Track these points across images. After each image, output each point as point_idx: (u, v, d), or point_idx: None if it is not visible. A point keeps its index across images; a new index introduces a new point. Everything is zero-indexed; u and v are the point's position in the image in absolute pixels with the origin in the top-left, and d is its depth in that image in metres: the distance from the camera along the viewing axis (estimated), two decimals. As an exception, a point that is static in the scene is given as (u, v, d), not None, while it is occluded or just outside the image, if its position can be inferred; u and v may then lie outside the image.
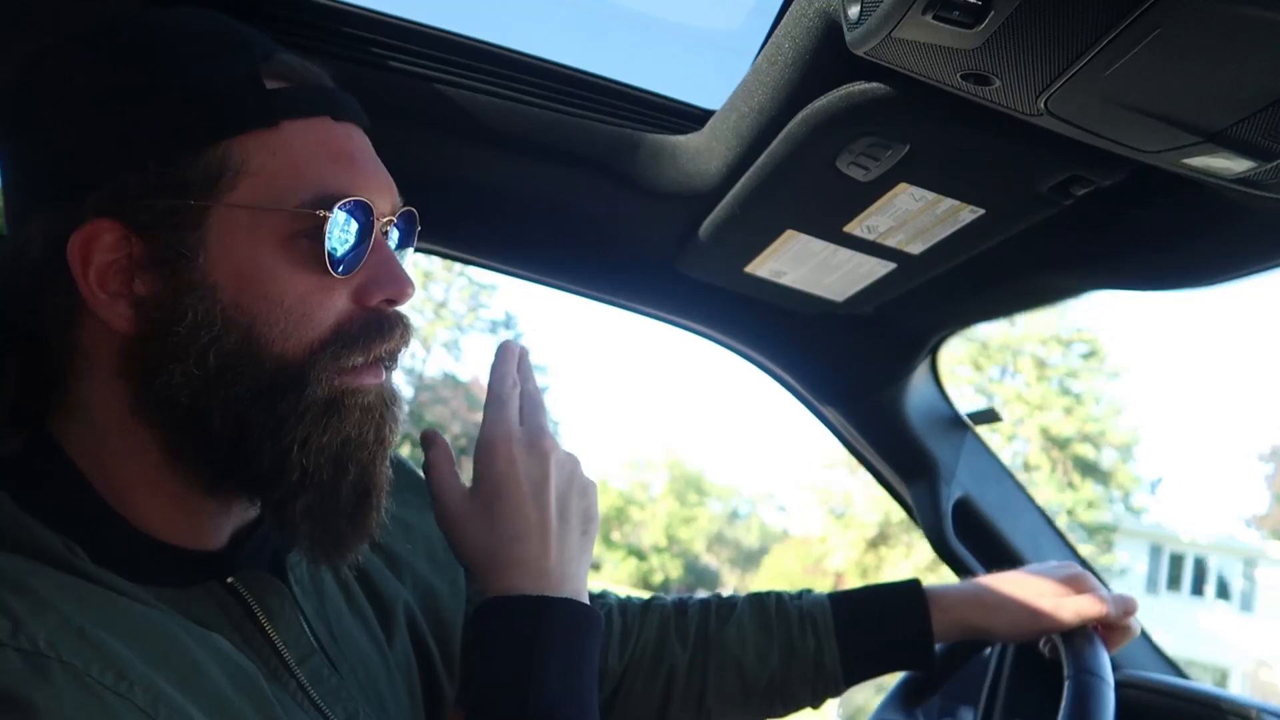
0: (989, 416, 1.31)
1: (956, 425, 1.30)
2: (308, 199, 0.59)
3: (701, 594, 1.07)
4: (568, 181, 1.04)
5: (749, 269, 1.07)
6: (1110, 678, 0.87)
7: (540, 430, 0.70)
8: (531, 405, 0.71)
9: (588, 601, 0.68)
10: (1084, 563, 1.24)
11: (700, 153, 0.95)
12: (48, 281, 0.59)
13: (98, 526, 0.59)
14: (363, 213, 0.61)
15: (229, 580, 0.63)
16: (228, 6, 0.68)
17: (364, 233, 0.61)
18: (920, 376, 1.26)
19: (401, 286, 0.63)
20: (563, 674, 0.63)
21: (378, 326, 0.63)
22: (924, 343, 1.21)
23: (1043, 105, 0.61)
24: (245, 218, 0.58)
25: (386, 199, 0.64)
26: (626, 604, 1.03)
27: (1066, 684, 0.87)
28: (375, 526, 0.66)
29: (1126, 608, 0.94)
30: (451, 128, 0.98)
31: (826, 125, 0.76)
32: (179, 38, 0.61)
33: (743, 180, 0.91)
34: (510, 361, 0.73)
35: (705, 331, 1.29)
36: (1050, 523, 1.30)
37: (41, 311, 0.61)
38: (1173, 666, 1.24)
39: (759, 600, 1.02)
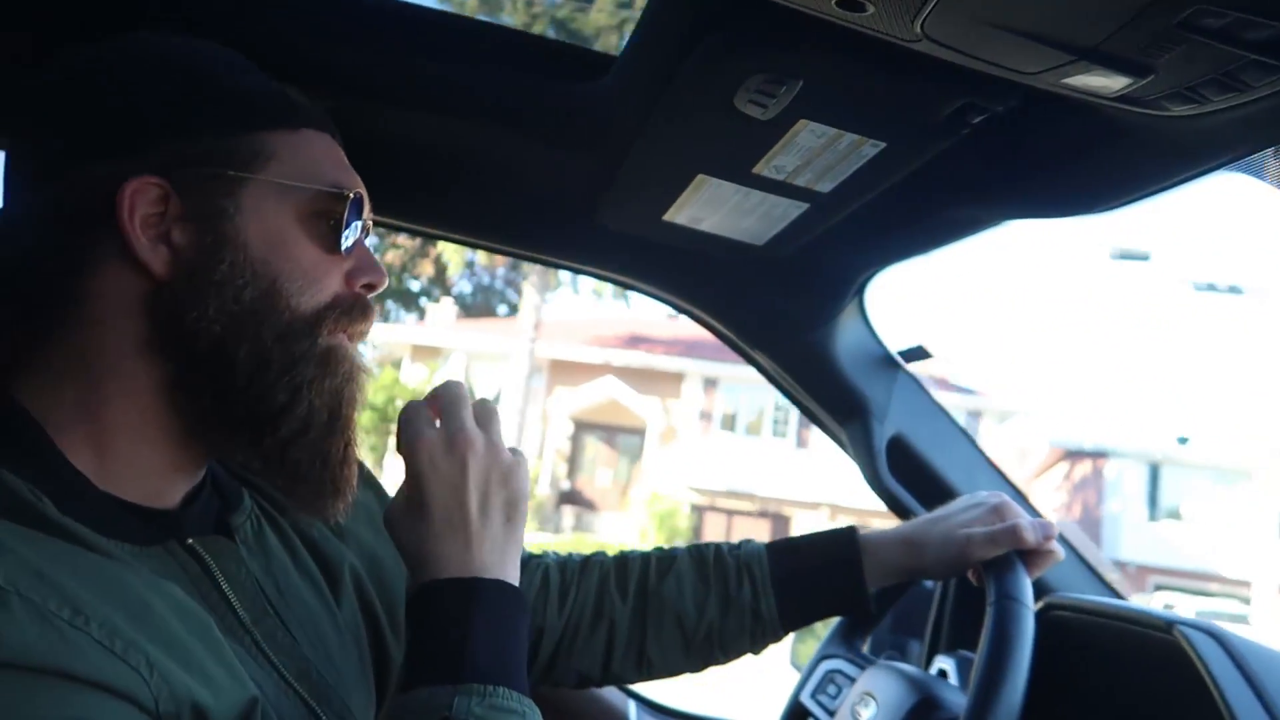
0: (920, 354, 1.32)
1: (888, 364, 1.30)
2: (325, 186, 0.71)
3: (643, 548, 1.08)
4: (476, 135, 1.02)
5: (667, 217, 1.07)
6: (1029, 601, 0.88)
7: (457, 429, 0.72)
8: (450, 404, 0.73)
9: (515, 583, 0.70)
10: (1016, 490, 1.27)
11: (605, 99, 0.94)
12: (82, 231, 0.66)
13: (61, 484, 0.62)
14: (360, 208, 0.74)
15: (188, 541, 0.68)
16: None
17: (360, 224, 0.74)
18: (850, 317, 1.27)
19: (382, 275, 0.75)
20: (491, 644, 0.66)
21: (360, 308, 0.73)
22: (850, 282, 1.22)
23: (919, 29, 0.60)
24: (274, 192, 0.69)
25: (368, 204, 0.76)
26: (566, 561, 1.05)
27: (988, 610, 0.89)
28: (353, 489, 0.73)
29: (1046, 532, 0.96)
30: (353, 87, 0.95)
31: (719, 63, 0.75)
32: (217, 51, 0.74)
33: (649, 126, 0.90)
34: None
35: (633, 283, 1.29)
36: (983, 454, 1.32)
37: (49, 264, 0.66)
38: (1107, 586, 1.27)
39: (698, 552, 1.04)
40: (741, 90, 0.78)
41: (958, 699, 1.00)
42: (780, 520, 18.20)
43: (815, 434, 18.04)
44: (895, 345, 1.31)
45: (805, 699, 1.14)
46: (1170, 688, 0.88)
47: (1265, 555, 19.57)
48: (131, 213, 0.65)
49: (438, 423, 0.73)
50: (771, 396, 18.46)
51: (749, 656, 1.05)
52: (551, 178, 1.09)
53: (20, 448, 0.63)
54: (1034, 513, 1.09)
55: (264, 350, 0.67)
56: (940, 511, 1.01)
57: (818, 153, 0.86)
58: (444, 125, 1.02)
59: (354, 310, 0.73)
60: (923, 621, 1.40)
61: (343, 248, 0.72)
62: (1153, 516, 21.55)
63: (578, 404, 19.24)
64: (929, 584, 1.33)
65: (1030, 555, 0.95)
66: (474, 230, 1.20)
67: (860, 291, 1.24)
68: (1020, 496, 1.24)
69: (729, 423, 19.18)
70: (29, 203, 0.67)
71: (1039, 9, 0.55)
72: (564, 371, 19.54)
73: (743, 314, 1.28)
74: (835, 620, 1.22)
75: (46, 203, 0.66)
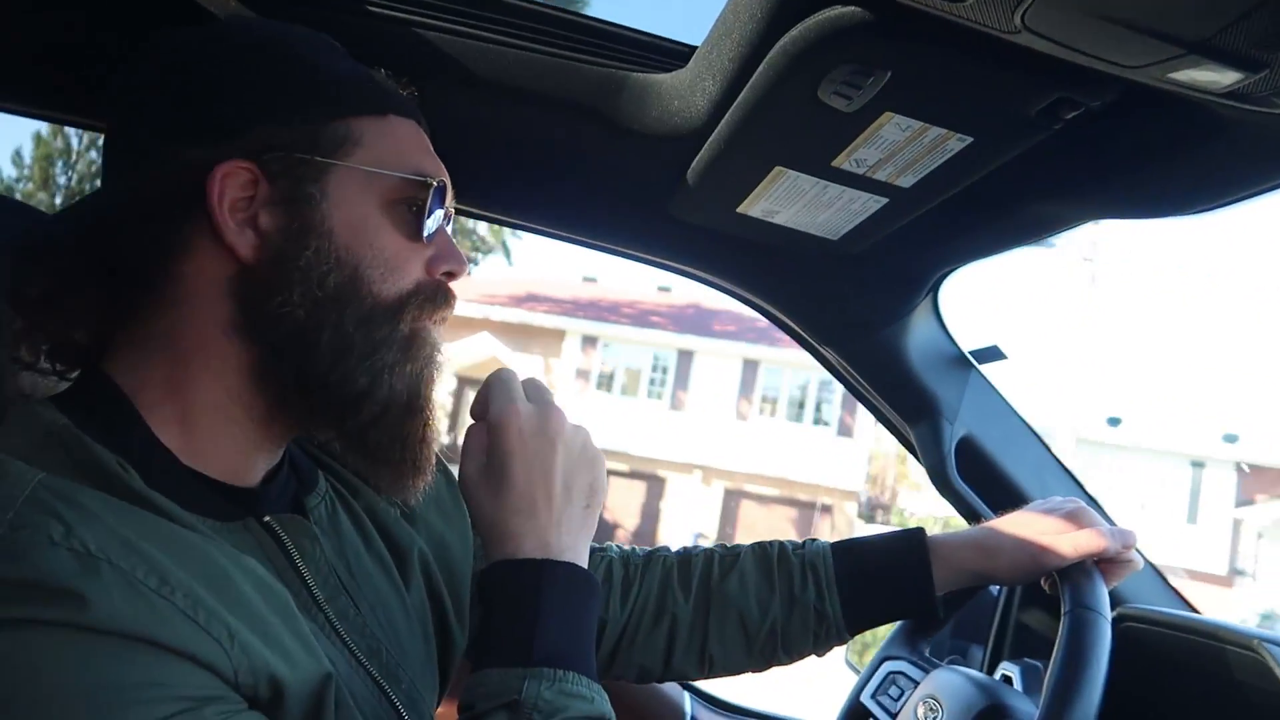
0: (993, 354, 1.29)
1: (960, 364, 1.28)
2: (409, 174, 0.71)
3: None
4: (553, 125, 1.02)
5: (741, 209, 1.06)
6: (1106, 611, 0.86)
7: (548, 406, 0.74)
8: (536, 387, 0.76)
9: (586, 568, 0.71)
10: (1089, 497, 1.24)
11: (685, 90, 0.93)
12: (174, 213, 0.67)
13: (148, 458, 0.64)
14: (443, 196, 0.74)
15: (266, 519, 0.69)
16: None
17: (443, 213, 0.74)
18: (922, 314, 1.25)
19: (463, 263, 0.75)
20: (563, 629, 0.66)
21: (442, 294, 0.74)
22: (924, 280, 1.20)
23: (1020, 21, 0.59)
24: (359, 178, 0.69)
25: (450, 191, 0.76)
26: (629, 555, 1.05)
27: (1063, 619, 0.87)
28: (432, 469, 0.74)
29: (1125, 540, 0.93)
30: (432, 72, 0.96)
31: (805, 54, 0.74)
32: (309, 36, 0.74)
33: (727, 117, 0.89)
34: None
35: (702, 275, 1.28)
36: (1055, 457, 1.29)
37: (143, 244, 0.67)
38: (1180, 598, 1.23)
39: (762, 549, 1.03)
40: (826, 81, 0.77)
41: (1027, 707, 0.98)
42: (655, 481, 18.09)
43: (691, 396, 18.08)
44: (968, 344, 1.29)
45: (866, 699, 1.12)
46: (1253, 706, 0.85)
47: (1175, 540, 19.22)
48: (221, 196, 0.66)
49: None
50: (648, 357, 18.46)
51: (812, 658, 1.04)
52: (626, 168, 1.09)
53: (110, 422, 0.65)
54: (1109, 519, 1.06)
55: (346, 335, 0.68)
56: (1013, 515, 0.99)
57: (901, 147, 0.84)
58: (521, 113, 1.02)
59: (436, 297, 0.73)
60: (985, 626, 1.37)
61: (425, 235, 0.72)
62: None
63: (458, 360, 19.30)
64: (993, 589, 1.30)
65: (1107, 564, 0.93)
66: (546, 219, 1.21)
67: (934, 289, 1.22)
68: (1093, 502, 1.21)
69: (606, 382, 19.08)
70: (125, 185, 0.69)
71: (1151, 1, 0.54)
72: (446, 326, 19.80)
73: (812, 309, 1.26)
74: (898, 621, 1.21)
75: (142, 185, 0.67)
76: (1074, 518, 0.95)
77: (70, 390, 0.69)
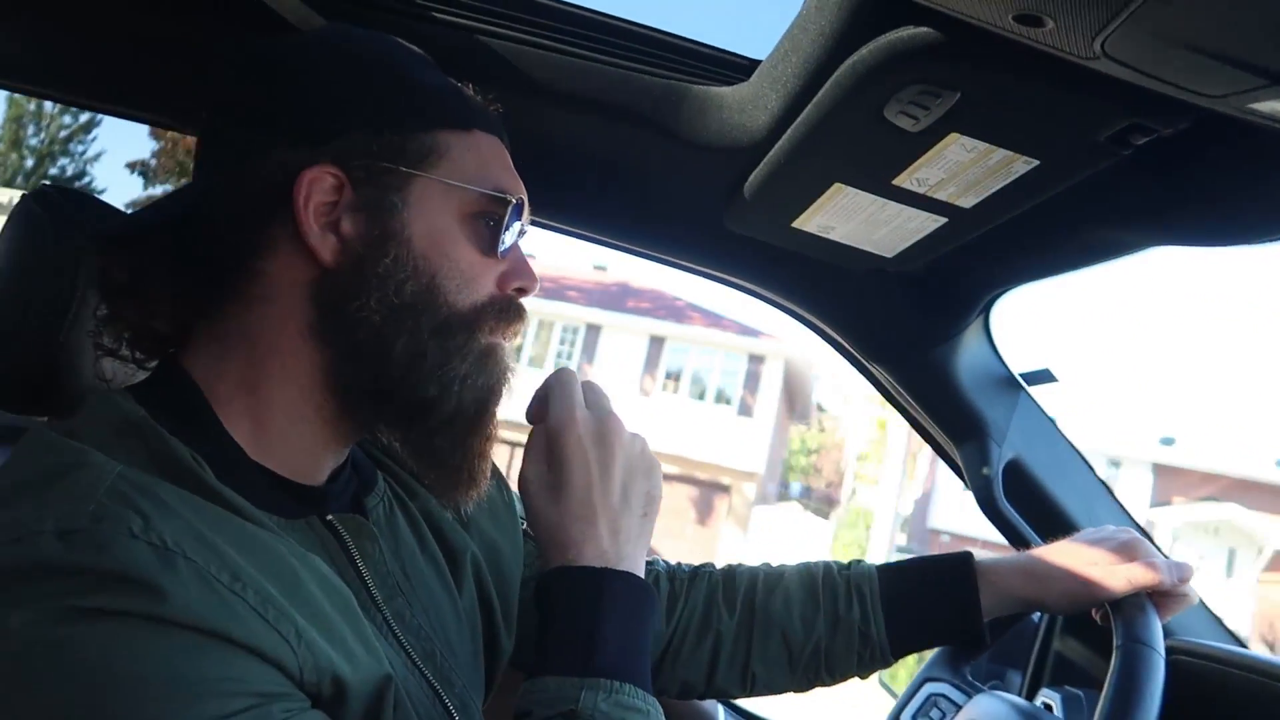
0: (1044, 377, 1.28)
1: (1009, 386, 1.27)
2: (489, 189, 0.72)
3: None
4: (613, 135, 1.03)
5: (796, 224, 1.06)
6: (1161, 647, 0.85)
7: (607, 414, 0.74)
8: (595, 392, 0.76)
9: (643, 578, 0.71)
10: (1139, 526, 1.22)
11: (747, 104, 0.93)
12: (261, 212, 0.68)
13: (220, 453, 0.65)
14: (520, 212, 0.75)
15: (329, 518, 0.70)
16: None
17: (518, 230, 0.75)
18: (973, 334, 1.24)
19: (535, 280, 0.76)
20: (621, 639, 0.66)
21: (515, 310, 0.75)
22: (977, 301, 1.19)
23: (1099, 47, 0.58)
24: (441, 190, 0.70)
25: (527, 209, 0.77)
26: (675, 570, 1.05)
27: (1115, 653, 0.85)
28: (487, 481, 0.75)
29: (1182, 574, 0.91)
30: (494, 79, 0.97)
31: (874, 73, 0.74)
32: (402, 47, 0.76)
33: (789, 132, 0.89)
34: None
35: (753, 289, 1.28)
36: (1105, 486, 1.27)
37: (229, 240, 0.69)
38: (1230, 634, 1.21)
39: (807, 569, 1.03)
40: (894, 101, 0.76)
41: (1070, 738, 0.97)
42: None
43: (595, 369, 17.67)
44: (1018, 366, 1.28)
45: (906, 721, 1.11)
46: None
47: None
48: (307, 200, 0.67)
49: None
50: (556, 329, 18.35)
51: (855, 680, 1.03)
52: (682, 180, 1.09)
53: (184, 415, 0.66)
54: (1161, 552, 1.05)
55: (420, 343, 0.69)
56: (1065, 543, 0.98)
57: (965, 167, 0.84)
58: (581, 122, 1.03)
59: (509, 312, 0.74)
60: (1024, 652, 1.35)
61: (500, 250, 0.73)
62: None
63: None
64: (1034, 615, 1.29)
65: (1161, 597, 0.91)
66: (601, 228, 1.21)
67: (986, 309, 1.21)
68: (1143, 532, 1.19)
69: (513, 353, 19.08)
70: (215, 184, 0.70)
71: (1238, 32, 0.53)
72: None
73: (863, 326, 1.26)
74: (943, 645, 1.19)
75: (231, 185, 0.68)
76: (1128, 549, 0.94)
77: (147, 381, 0.70)
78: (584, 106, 0.99)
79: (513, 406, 0.75)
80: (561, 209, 1.19)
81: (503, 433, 0.76)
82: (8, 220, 0.86)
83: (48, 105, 16.63)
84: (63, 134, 18.00)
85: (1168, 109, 0.69)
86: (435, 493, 0.76)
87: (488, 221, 0.72)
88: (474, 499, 0.74)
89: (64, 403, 0.86)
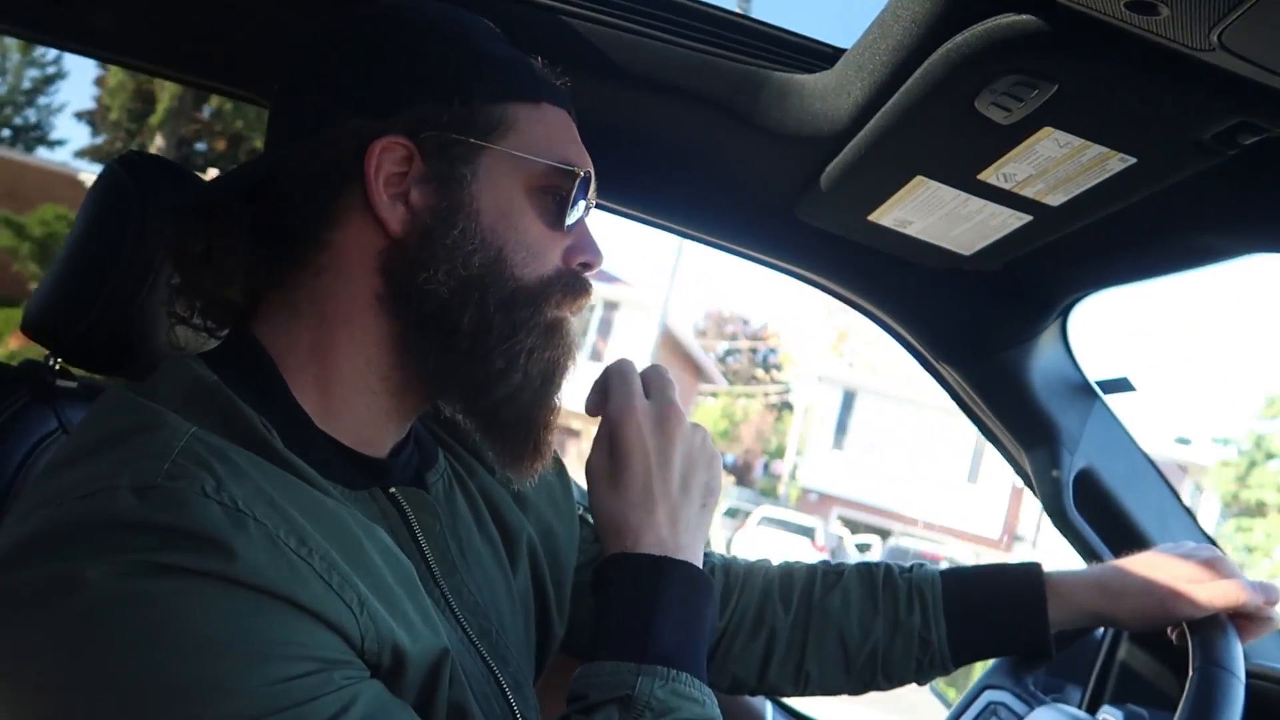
0: (1122, 385, 1.24)
1: (1084, 393, 1.23)
2: (557, 162, 0.71)
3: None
4: (689, 120, 1.01)
5: (873, 217, 1.03)
6: (1241, 672, 0.81)
7: (668, 403, 0.74)
8: (658, 381, 0.75)
9: (702, 568, 0.71)
10: (1213, 543, 1.17)
11: (829, 92, 0.91)
12: (332, 182, 0.68)
13: (288, 421, 0.66)
14: (587, 186, 0.74)
15: (391, 490, 0.71)
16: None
17: (585, 204, 0.74)
18: (1049, 339, 1.20)
19: (599, 255, 0.75)
20: (678, 628, 0.66)
21: (581, 284, 0.74)
22: (1056, 304, 1.15)
23: (1216, 39, 0.55)
24: (509, 163, 0.70)
25: (594, 183, 0.76)
26: (731, 564, 1.04)
27: (1192, 676, 0.82)
28: (550, 455, 0.75)
29: (1269, 596, 0.88)
30: (571, 60, 0.96)
31: (969, 62, 0.71)
32: (474, 19, 0.75)
33: (873, 122, 0.87)
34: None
35: (823, 282, 1.25)
36: (1179, 500, 1.23)
37: (301, 210, 0.69)
38: (1308, 663, 1.16)
39: (868, 570, 1.01)
40: (986, 91, 0.74)
41: (1136, 759, 0.93)
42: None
43: None
44: (1094, 374, 1.24)
45: (963, 729, 1.08)
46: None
47: (953, 498, 19.35)
48: (377, 170, 0.67)
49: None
50: None
51: (912, 685, 1.01)
52: (756, 168, 1.08)
53: (254, 381, 0.67)
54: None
55: (487, 316, 0.68)
56: (1143, 556, 0.95)
57: (1056, 163, 0.81)
58: (657, 107, 1.01)
59: (575, 286, 0.73)
60: (1085, 666, 1.32)
61: (566, 224, 0.72)
62: (839, 445, 21.76)
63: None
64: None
65: (1243, 620, 0.88)
66: (671, 215, 1.20)
67: (1065, 313, 1.18)
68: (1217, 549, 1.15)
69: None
70: (287, 153, 0.70)
71: (1372, 23, 0.50)
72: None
73: (935, 325, 1.23)
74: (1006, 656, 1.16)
75: (303, 154, 0.68)
76: (1211, 566, 0.90)
77: (219, 348, 0.71)
78: (660, 90, 0.98)
79: (572, 396, 0.75)
80: (629, 193, 1.18)
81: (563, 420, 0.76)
82: (94, 183, 0.87)
83: (14, 58, 17.06)
84: (26, 85, 18.58)
85: (1281, 107, 0.65)
86: (501, 465, 0.75)
87: (555, 195, 0.72)
88: (535, 473, 0.74)
89: (141, 367, 0.87)
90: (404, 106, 0.68)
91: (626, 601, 0.67)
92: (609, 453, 0.72)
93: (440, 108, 0.68)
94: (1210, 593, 0.87)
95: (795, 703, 1.55)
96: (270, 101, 0.74)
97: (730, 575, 1.02)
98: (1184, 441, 19.71)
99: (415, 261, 0.68)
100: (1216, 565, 0.90)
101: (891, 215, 1.02)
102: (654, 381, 0.76)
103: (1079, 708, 1.27)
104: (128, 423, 0.59)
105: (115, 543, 0.52)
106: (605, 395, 0.75)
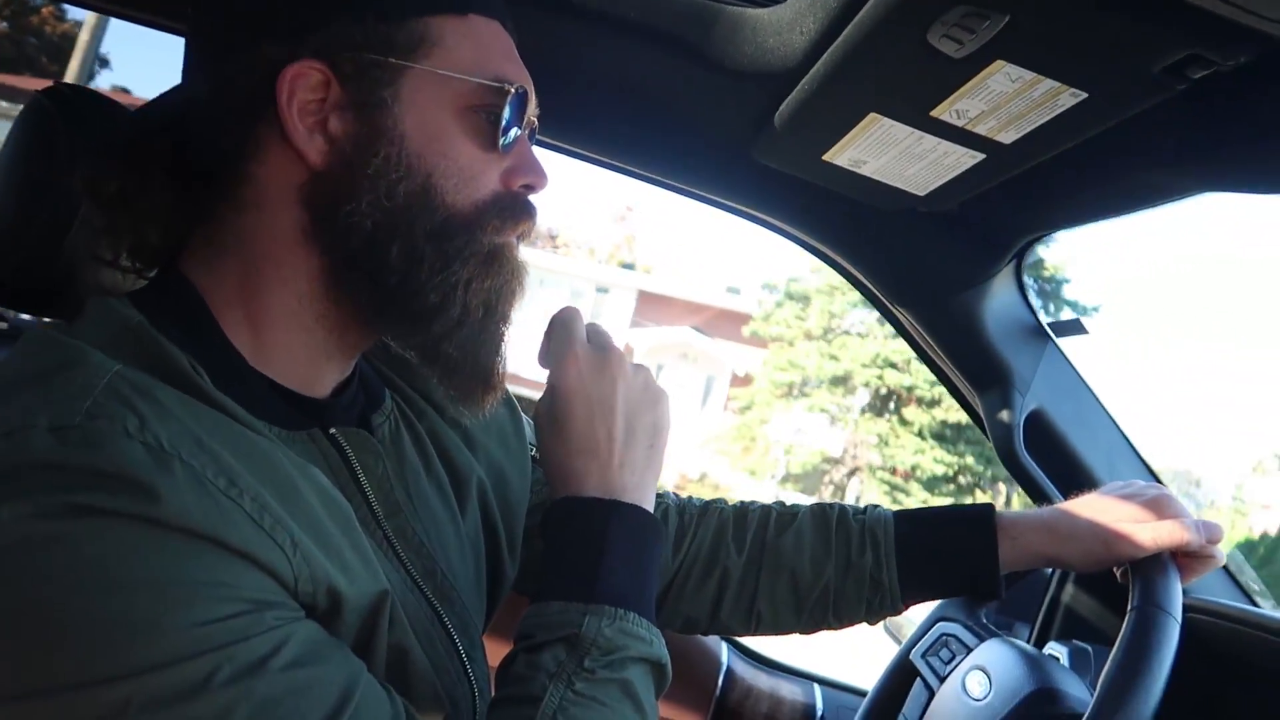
0: (1074, 328, 1.24)
1: (1037, 335, 1.23)
2: (487, 79, 0.67)
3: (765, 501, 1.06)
4: (640, 56, 0.99)
5: (827, 157, 1.02)
6: (1178, 612, 0.82)
7: (607, 347, 0.73)
8: (596, 330, 0.74)
9: (652, 510, 0.70)
10: (1160, 483, 1.19)
11: (783, 27, 0.89)
12: (246, 114, 0.64)
13: (219, 361, 0.64)
14: (522, 104, 0.69)
15: (331, 431, 0.68)
16: None
17: (521, 121, 0.70)
18: (1003, 281, 1.20)
19: (542, 175, 0.71)
20: (625, 568, 0.66)
21: (522, 207, 0.70)
22: (1010, 245, 1.15)
23: (1165, -36, 0.54)
24: (434, 82, 0.66)
25: (533, 100, 0.72)
26: (685, 504, 1.04)
27: (1129, 615, 0.83)
28: (503, 387, 0.72)
29: (1211, 535, 0.89)
30: None
31: (920, -8, 0.70)
32: None
33: (825, 56, 0.85)
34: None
35: (778, 225, 1.24)
36: (1129, 441, 1.25)
37: (217, 144, 0.65)
38: (1244, 593, 1.19)
39: (821, 510, 1.01)
40: (938, 24, 0.72)
41: (1078, 692, 0.95)
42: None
43: None
44: (1047, 316, 1.24)
45: (915, 658, 1.10)
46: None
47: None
48: (290, 98, 0.63)
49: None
50: None
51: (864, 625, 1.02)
52: (711, 106, 1.06)
53: (183, 320, 0.64)
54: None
55: (416, 248, 0.65)
56: (1089, 498, 0.95)
57: (1008, 99, 0.80)
58: (605, 41, 0.99)
59: (516, 209, 0.70)
60: (1032, 605, 1.34)
61: (501, 145, 0.68)
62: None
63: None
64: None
65: (1186, 558, 0.89)
66: (623, 155, 1.18)
67: (1019, 255, 1.18)
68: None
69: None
70: (202, 85, 0.66)
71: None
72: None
73: (889, 267, 1.22)
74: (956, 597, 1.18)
75: (217, 85, 0.65)
76: (1155, 506, 0.90)
77: (146, 288, 0.68)
78: (607, 23, 0.95)
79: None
80: (580, 133, 1.15)
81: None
82: (19, 115, 0.84)
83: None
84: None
85: (1232, 39, 0.64)
86: (453, 399, 0.73)
87: (487, 114, 0.67)
88: (489, 406, 0.72)
89: (73, 307, 0.85)
90: (315, 28, 0.63)
91: (573, 543, 0.67)
92: (553, 400, 0.72)
93: (354, 28, 0.63)
94: (1153, 533, 0.88)
95: (753, 644, 1.57)
96: (185, 32, 0.70)
97: (684, 516, 1.02)
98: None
99: (338, 194, 0.64)
100: (1163, 504, 0.91)
101: (846, 155, 1.00)
102: (594, 331, 0.75)
103: (1027, 642, 1.30)
104: (49, 361, 0.57)
105: (32, 484, 0.50)
106: (548, 344, 0.74)
